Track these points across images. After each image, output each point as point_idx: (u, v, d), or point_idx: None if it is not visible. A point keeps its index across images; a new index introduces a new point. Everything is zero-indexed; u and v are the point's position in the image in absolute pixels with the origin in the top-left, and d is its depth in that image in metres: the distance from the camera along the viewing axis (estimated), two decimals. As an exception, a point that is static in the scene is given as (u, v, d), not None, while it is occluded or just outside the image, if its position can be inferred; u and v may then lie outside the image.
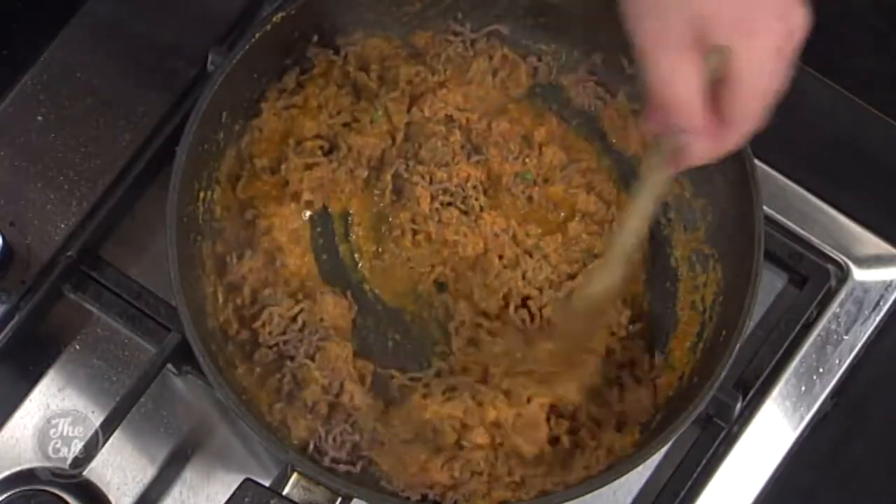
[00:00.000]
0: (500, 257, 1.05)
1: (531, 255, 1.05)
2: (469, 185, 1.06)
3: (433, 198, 1.06)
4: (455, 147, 1.07)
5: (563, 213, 1.07)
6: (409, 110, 1.08)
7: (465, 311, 1.03)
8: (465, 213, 1.06)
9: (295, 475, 0.92)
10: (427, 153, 1.06)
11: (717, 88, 0.76)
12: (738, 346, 0.95)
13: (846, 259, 1.10)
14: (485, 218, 1.06)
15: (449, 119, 1.08)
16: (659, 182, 0.86)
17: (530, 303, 1.04)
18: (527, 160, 1.07)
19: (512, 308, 1.03)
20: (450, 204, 1.06)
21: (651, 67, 0.76)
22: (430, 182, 1.06)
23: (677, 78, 0.75)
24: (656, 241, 1.07)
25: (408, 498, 0.97)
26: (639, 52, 0.77)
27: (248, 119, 1.05)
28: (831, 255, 1.10)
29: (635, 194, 0.88)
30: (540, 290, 1.04)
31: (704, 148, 0.79)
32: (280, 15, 1.01)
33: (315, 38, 1.06)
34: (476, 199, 1.06)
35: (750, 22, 0.74)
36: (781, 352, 1.07)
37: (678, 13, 0.74)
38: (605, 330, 1.04)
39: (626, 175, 1.08)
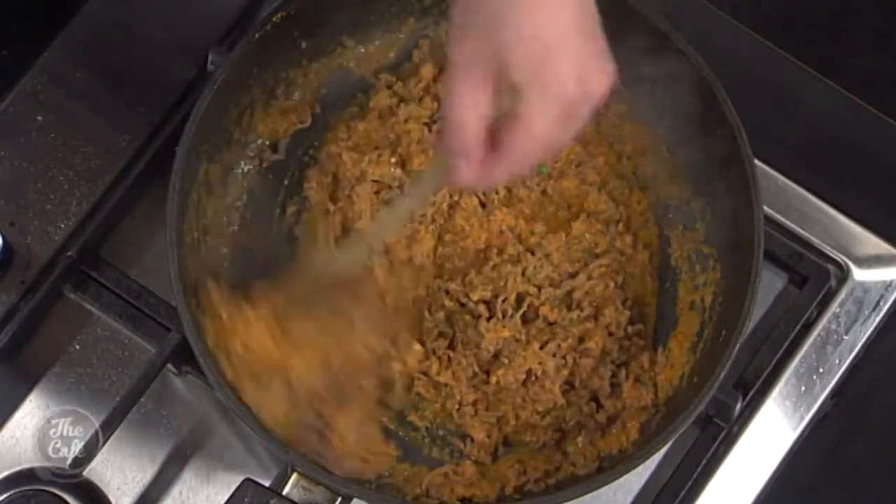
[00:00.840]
0: (500, 252, 1.05)
1: (533, 253, 1.05)
2: None
3: None
4: None
5: (571, 211, 1.07)
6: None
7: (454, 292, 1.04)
8: (484, 205, 1.06)
9: (295, 475, 0.92)
10: None
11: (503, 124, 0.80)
12: (738, 346, 0.95)
13: (846, 259, 1.10)
14: (496, 215, 1.05)
15: None
16: (430, 185, 0.93)
17: (527, 300, 1.03)
18: None
19: (500, 301, 1.03)
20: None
21: (449, 84, 0.80)
22: None
23: (466, 101, 0.79)
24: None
25: (407, 498, 0.98)
26: (448, 68, 0.81)
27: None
28: (831, 255, 1.10)
29: (414, 183, 0.99)
30: (539, 287, 1.04)
31: (468, 174, 0.82)
32: (280, 15, 1.01)
33: (315, 38, 1.06)
34: (497, 193, 1.06)
35: (546, 74, 0.77)
36: (781, 352, 1.06)
37: (487, 45, 0.77)
38: (603, 330, 1.04)
39: (639, 175, 1.09)
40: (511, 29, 0.76)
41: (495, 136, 0.80)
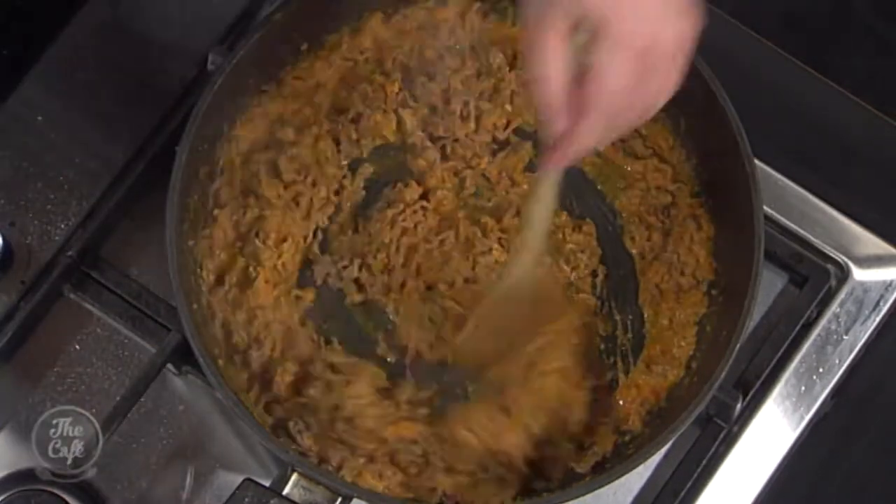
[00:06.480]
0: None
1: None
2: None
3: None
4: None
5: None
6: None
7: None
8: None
9: (295, 475, 0.92)
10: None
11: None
12: (738, 346, 0.95)
13: (846, 259, 1.10)
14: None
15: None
16: (548, 178, 0.90)
17: None
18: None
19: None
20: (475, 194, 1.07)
21: (527, 43, 0.79)
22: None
23: (546, 54, 0.77)
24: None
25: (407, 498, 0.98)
26: (523, 28, 0.80)
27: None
28: (831, 255, 1.10)
29: (535, 185, 0.92)
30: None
31: (561, 137, 0.80)
32: (280, 14, 1.01)
33: (313, 38, 1.06)
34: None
35: (619, 14, 0.75)
36: (781, 352, 1.07)
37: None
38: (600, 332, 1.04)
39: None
40: None
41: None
